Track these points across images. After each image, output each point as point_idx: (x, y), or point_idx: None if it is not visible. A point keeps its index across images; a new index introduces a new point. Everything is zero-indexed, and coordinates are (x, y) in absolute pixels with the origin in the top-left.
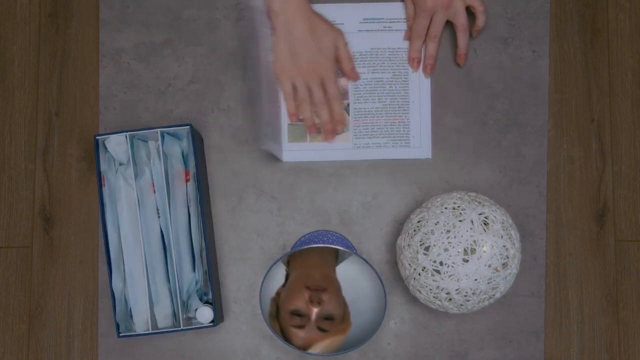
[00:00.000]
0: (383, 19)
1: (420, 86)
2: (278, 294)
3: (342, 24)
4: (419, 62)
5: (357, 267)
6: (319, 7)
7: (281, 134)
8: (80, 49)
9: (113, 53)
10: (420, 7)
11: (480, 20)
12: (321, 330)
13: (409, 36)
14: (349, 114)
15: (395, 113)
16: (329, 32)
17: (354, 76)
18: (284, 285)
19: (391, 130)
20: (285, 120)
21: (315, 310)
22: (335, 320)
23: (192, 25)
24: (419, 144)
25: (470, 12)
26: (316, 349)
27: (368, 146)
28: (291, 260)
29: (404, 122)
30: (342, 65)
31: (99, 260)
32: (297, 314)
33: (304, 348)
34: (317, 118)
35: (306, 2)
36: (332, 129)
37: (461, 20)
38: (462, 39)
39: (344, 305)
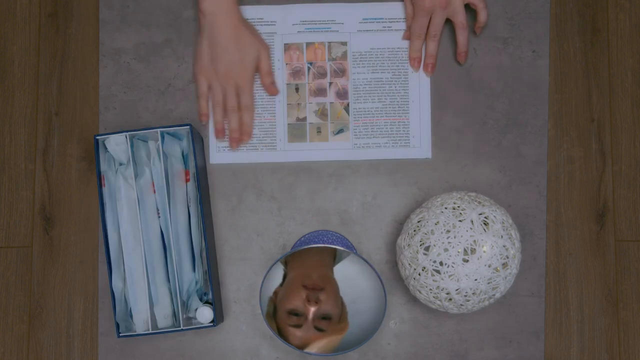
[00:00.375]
0: (383, 18)
1: (420, 86)
2: (275, 293)
3: (342, 23)
4: (419, 62)
5: (356, 267)
6: (319, 7)
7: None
8: (80, 49)
9: (113, 53)
10: (419, 6)
11: (482, 16)
12: (318, 329)
13: (407, 36)
14: (348, 114)
15: (395, 113)
16: (254, 44)
17: (273, 91)
18: (281, 285)
19: (391, 130)
20: (283, 121)
21: (312, 310)
22: (332, 319)
23: (192, 25)
24: (418, 143)
25: (470, 9)
26: (313, 348)
27: (368, 146)
28: (289, 260)
29: (404, 122)
30: (261, 79)
31: (99, 260)
32: (294, 313)
33: (301, 347)
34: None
35: (236, 9)
36: (237, 137)
37: (460, 18)
38: (462, 37)
39: (341, 305)
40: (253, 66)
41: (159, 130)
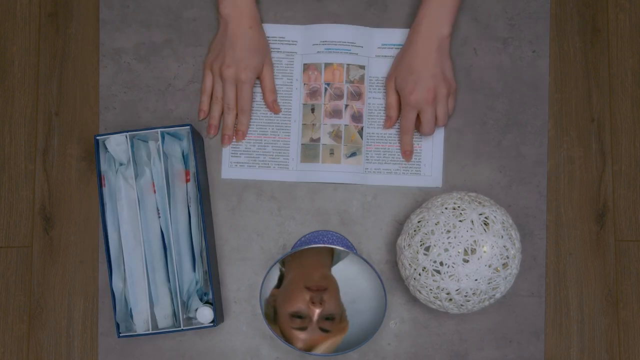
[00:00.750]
0: (401, 45)
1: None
2: (272, 295)
3: (362, 47)
4: (412, 154)
5: (356, 267)
6: (340, 28)
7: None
8: (80, 49)
9: (113, 53)
10: (405, 101)
11: (441, 121)
12: (322, 330)
13: (388, 125)
14: (362, 138)
15: None
16: (262, 52)
17: (276, 109)
18: (277, 287)
19: (402, 157)
20: (297, 141)
21: (317, 311)
22: (335, 319)
23: (192, 25)
24: (429, 172)
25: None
26: (319, 350)
27: (379, 171)
28: (288, 260)
29: (416, 150)
30: (264, 97)
31: (99, 260)
32: (297, 315)
33: (307, 350)
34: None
35: (253, 15)
36: (229, 135)
37: (441, 113)
38: (427, 128)
39: (341, 304)
40: (255, 71)
41: (159, 130)
